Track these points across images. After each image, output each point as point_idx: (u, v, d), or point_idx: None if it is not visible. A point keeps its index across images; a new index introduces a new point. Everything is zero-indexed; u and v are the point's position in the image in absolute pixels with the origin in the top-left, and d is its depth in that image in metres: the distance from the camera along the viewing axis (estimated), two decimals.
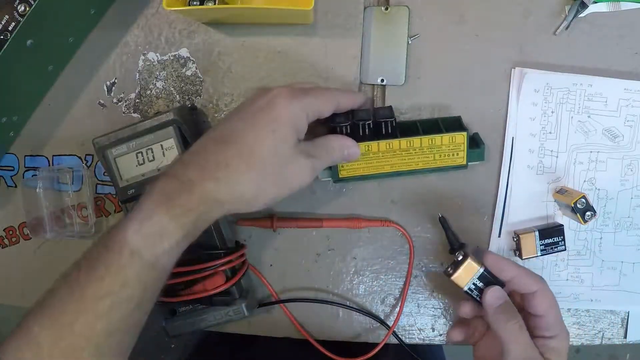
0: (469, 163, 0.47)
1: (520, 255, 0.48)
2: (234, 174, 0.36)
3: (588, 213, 0.45)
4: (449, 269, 0.44)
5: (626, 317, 0.52)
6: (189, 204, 0.35)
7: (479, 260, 0.44)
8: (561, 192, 0.48)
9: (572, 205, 0.45)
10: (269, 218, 0.50)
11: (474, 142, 0.48)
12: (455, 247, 0.49)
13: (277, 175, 0.38)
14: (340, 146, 0.43)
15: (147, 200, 0.36)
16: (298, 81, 0.48)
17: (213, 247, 0.47)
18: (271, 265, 0.52)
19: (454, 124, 0.48)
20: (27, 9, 0.41)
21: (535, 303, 0.42)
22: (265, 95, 0.39)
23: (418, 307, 0.52)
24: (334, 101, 0.42)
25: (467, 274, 0.43)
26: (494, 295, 0.42)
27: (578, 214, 0.46)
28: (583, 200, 0.45)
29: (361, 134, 0.45)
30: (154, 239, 0.35)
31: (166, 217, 0.35)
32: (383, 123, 0.45)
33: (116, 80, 0.51)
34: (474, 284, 0.43)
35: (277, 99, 0.38)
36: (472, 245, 0.50)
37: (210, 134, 0.39)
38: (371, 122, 0.45)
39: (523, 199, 0.50)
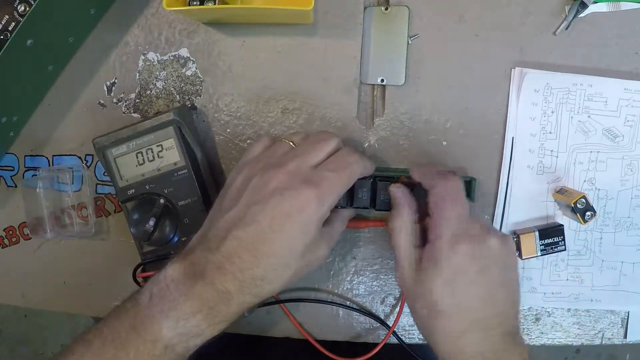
0: None
1: (520, 255, 0.48)
2: (270, 285, 0.37)
3: (588, 213, 0.45)
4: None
5: (626, 317, 0.52)
6: (227, 315, 0.36)
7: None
8: (561, 192, 0.48)
9: (572, 205, 0.45)
10: None
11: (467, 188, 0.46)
12: None
13: (304, 268, 0.39)
14: (351, 215, 0.47)
15: (182, 303, 0.35)
16: (314, 135, 0.42)
17: None
18: None
19: None
20: (27, 9, 0.41)
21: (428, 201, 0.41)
22: (289, 195, 0.36)
23: None
24: (354, 179, 0.41)
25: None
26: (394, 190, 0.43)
27: (578, 214, 0.46)
28: (583, 200, 0.45)
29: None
30: (188, 337, 0.36)
31: (204, 323, 0.36)
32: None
33: (116, 80, 0.51)
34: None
35: (307, 207, 0.36)
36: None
37: (237, 229, 0.36)
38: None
39: (523, 199, 0.50)
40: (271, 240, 0.36)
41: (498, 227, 0.50)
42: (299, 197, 0.36)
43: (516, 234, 0.49)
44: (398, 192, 0.43)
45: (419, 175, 0.43)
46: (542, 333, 0.52)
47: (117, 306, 0.38)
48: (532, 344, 0.52)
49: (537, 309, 0.51)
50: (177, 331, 0.35)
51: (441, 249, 0.38)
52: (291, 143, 0.41)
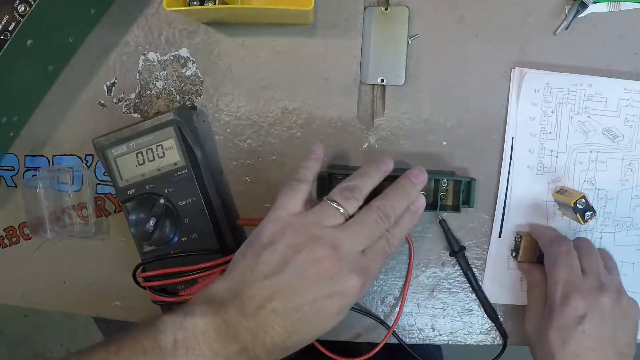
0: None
1: (516, 257, 0.49)
2: (296, 349, 0.37)
3: (588, 213, 0.45)
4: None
5: None
6: None
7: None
8: (561, 192, 0.48)
9: (572, 206, 0.45)
10: None
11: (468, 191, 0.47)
12: (456, 250, 0.49)
13: None
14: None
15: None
16: (367, 213, 0.39)
17: (213, 247, 0.47)
18: None
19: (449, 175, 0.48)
20: (27, 9, 0.41)
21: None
22: (337, 282, 0.36)
23: (418, 307, 0.52)
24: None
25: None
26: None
27: (578, 214, 0.45)
28: (583, 200, 0.45)
29: None
30: None
31: None
32: None
33: (116, 80, 0.51)
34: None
35: (351, 295, 0.36)
36: (472, 248, 0.50)
37: (276, 301, 0.36)
38: None
39: (523, 199, 0.50)
40: (308, 320, 0.36)
41: (498, 227, 0.50)
42: (346, 284, 0.36)
43: (519, 235, 0.49)
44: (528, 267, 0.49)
45: (535, 235, 0.48)
46: None
47: (131, 335, 0.36)
48: None
49: None
50: None
51: (554, 303, 0.43)
52: (341, 210, 0.38)
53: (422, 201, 0.41)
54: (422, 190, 0.41)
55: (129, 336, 0.36)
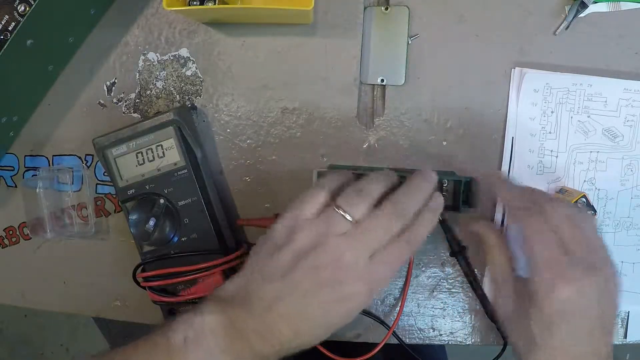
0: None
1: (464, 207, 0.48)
2: (302, 348, 0.37)
3: (589, 212, 0.45)
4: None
5: (626, 317, 0.52)
6: None
7: None
8: (561, 192, 0.48)
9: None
10: (270, 218, 0.50)
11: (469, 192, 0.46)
12: (456, 250, 0.49)
13: None
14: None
15: (219, 355, 0.36)
16: (375, 217, 0.37)
17: (213, 247, 0.47)
18: None
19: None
20: (27, 9, 0.41)
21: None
22: (342, 290, 0.36)
23: (418, 307, 0.52)
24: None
25: None
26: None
27: None
28: (583, 199, 0.45)
29: None
30: None
31: None
32: None
33: (116, 80, 0.51)
34: None
35: (356, 301, 0.37)
36: (473, 248, 0.50)
37: (282, 304, 0.36)
38: None
39: None
40: (314, 322, 0.37)
41: (498, 227, 0.50)
42: (350, 291, 0.36)
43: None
44: (483, 227, 0.44)
45: (504, 199, 0.43)
46: None
47: (148, 336, 0.37)
48: None
49: None
50: None
51: (534, 290, 0.38)
52: (347, 216, 0.37)
53: (440, 199, 0.40)
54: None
55: (145, 336, 0.37)
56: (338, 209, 0.37)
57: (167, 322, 0.37)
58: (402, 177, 0.41)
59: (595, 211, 0.45)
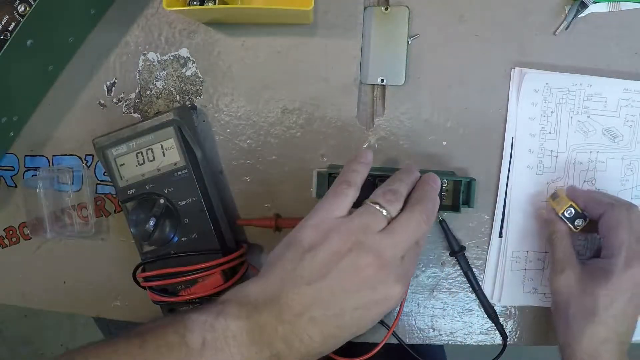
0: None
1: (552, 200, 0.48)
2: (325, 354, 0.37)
3: (578, 220, 0.45)
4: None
5: None
6: None
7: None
8: (554, 197, 0.48)
9: (561, 216, 0.45)
10: (270, 218, 0.50)
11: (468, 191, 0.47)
12: (456, 250, 0.49)
13: None
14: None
15: None
16: (410, 214, 0.38)
17: (213, 247, 0.47)
18: None
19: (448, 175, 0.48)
20: (27, 9, 0.41)
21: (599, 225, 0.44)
22: (380, 291, 0.36)
23: (418, 307, 0.52)
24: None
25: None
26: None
27: (568, 223, 0.45)
28: (571, 209, 0.45)
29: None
30: None
31: None
32: None
33: (116, 80, 0.51)
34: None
35: (392, 301, 0.36)
36: (472, 248, 0.50)
37: (316, 309, 0.35)
38: None
39: (523, 199, 0.50)
40: (346, 328, 0.36)
41: (498, 227, 0.50)
42: (389, 293, 0.36)
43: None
44: (553, 215, 0.47)
45: (584, 202, 0.46)
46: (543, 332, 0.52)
47: (155, 330, 0.35)
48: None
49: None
50: None
51: (615, 265, 0.42)
52: (384, 212, 0.37)
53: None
54: None
55: (153, 331, 0.35)
56: (375, 205, 0.37)
57: (180, 319, 0.35)
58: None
59: (585, 218, 0.45)
